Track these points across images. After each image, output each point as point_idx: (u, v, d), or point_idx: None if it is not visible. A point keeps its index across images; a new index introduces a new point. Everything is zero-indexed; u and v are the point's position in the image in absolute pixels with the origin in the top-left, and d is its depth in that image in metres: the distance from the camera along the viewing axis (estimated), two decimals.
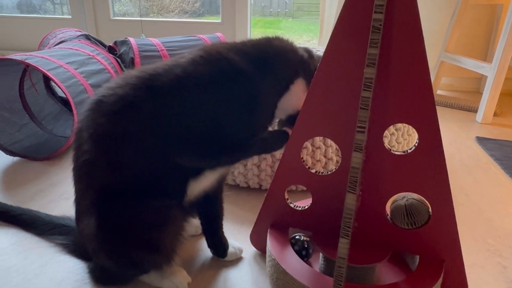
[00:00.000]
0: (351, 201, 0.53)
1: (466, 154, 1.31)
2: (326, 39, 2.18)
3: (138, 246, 0.62)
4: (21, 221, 0.84)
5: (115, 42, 1.54)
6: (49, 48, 1.61)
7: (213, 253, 0.77)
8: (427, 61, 0.53)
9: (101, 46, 1.51)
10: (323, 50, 0.59)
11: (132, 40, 1.50)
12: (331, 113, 0.61)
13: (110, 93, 0.59)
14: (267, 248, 0.68)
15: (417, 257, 0.65)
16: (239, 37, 2.38)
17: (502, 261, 0.78)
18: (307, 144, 0.94)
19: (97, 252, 0.64)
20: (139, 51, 1.47)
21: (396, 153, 0.59)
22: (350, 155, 0.54)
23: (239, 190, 1.02)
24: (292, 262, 0.62)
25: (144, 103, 0.58)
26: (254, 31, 2.88)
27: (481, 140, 1.42)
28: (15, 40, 2.73)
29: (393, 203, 0.65)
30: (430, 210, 0.61)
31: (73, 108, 1.11)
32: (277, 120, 0.72)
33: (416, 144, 0.58)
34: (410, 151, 0.58)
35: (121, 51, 1.50)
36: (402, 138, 1.05)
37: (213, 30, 2.40)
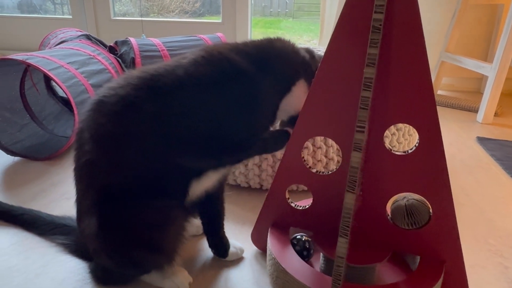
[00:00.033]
0: (350, 200, 0.53)
1: (467, 154, 1.31)
2: (327, 39, 2.18)
3: (139, 246, 0.62)
4: (22, 220, 0.84)
5: (116, 42, 1.54)
6: (50, 48, 1.61)
7: (214, 253, 0.77)
8: (427, 61, 0.53)
9: (102, 46, 1.51)
10: (324, 50, 0.59)
11: (132, 40, 1.50)
12: (332, 113, 0.61)
13: (112, 94, 0.59)
14: (267, 247, 0.68)
15: (418, 257, 0.65)
16: (239, 37, 2.38)
17: (503, 261, 0.78)
18: (308, 144, 0.94)
19: (98, 252, 0.64)
20: (140, 51, 1.47)
21: (397, 153, 0.59)
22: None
23: (240, 190, 1.02)
24: (292, 261, 0.62)
25: (145, 103, 0.58)
26: (255, 31, 2.89)
27: (482, 140, 1.42)
28: (16, 40, 2.73)
29: (393, 203, 0.65)
30: (430, 210, 0.61)
31: (74, 108, 1.11)
32: (279, 121, 0.72)
33: (417, 144, 0.58)
34: (411, 151, 0.58)
35: (122, 51, 1.50)
36: (403, 138, 1.05)
37: (213, 30, 2.40)
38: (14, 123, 1.27)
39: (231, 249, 0.76)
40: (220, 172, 0.67)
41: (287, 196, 0.70)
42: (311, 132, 0.63)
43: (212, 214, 0.75)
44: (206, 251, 0.78)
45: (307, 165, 0.66)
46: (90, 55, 1.37)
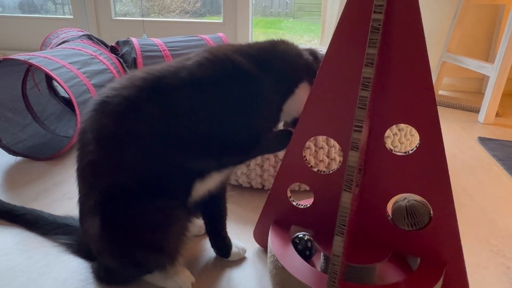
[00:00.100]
0: (346, 199, 0.53)
1: (469, 154, 1.31)
2: (328, 39, 2.18)
3: (142, 246, 0.62)
4: (25, 220, 0.84)
5: (117, 42, 1.54)
6: (52, 48, 1.61)
7: (216, 253, 0.77)
8: (428, 61, 0.53)
9: (103, 46, 1.51)
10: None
11: (134, 40, 1.51)
12: (333, 112, 0.61)
13: (115, 94, 0.59)
14: (268, 245, 0.68)
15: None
16: (240, 38, 2.38)
17: (505, 262, 0.78)
18: (310, 144, 0.95)
19: (101, 252, 0.64)
20: (142, 51, 1.47)
21: (398, 153, 0.59)
22: None
23: (242, 190, 1.02)
24: (291, 259, 0.63)
25: (149, 105, 0.58)
26: (255, 32, 2.89)
27: (483, 140, 1.42)
28: (17, 40, 2.73)
29: (394, 203, 0.65)
30: (431, 211, 0.61)
31: (76, 108, 1.11)
32: (282, 123, 0.72)
33: (418, 145, 0.58)
34: (412, 151, 0.58)
35: (123, 51, 1.50)
36: (404, 138, 1.05)
37: (214, 30, 2.40)
38: (16, 123, 1.27)
39: (233, 249, 0.76)
40: (224, 172, 0.67)
41: (288, 194, 0.70)
42: (312, 131, 0.63)
43: (214, 214, 0.75)
44: (208, 251, 0.78)
45: (309, 164, 0.66)
46: (92, 55, 1.37)
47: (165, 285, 0.68)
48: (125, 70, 1.46)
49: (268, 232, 0.71)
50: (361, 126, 0.51)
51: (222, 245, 0.76)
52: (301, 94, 0.66)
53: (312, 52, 0.69)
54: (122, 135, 0.59)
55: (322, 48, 1.22)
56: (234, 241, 0.77)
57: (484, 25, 2.04)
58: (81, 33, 1.63)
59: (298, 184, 1.00)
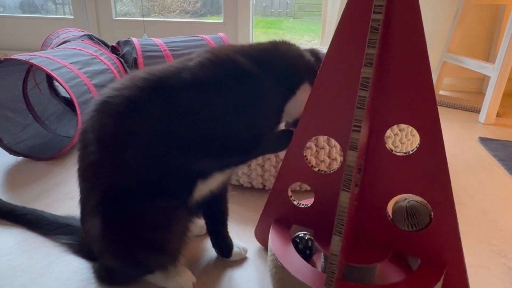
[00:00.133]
0: (345, 198, 0.53)
1: (469, 155, 1.31)
2: (329, 39, 2.18)
3: (143, 246, 0.62)
4: (26, 220, 0.84)
5: (118, 42, 1.54)
6: (52, 48, 1.62)
7: (217, 253, 0.77)
8: (428, 61, 0.53)
9: (104, 46, 1.52)
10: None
11: (135, 40, 1.51)
12: (334, 112, 0.61)
13: (116, 95, 0.59)
14: (268, 243, 0.68)
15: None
16: (241, 38, 2.38)
17: (507, 262, 0.78)
18: (311, 144, 0.95)
19: (103, 252, 0.64)
20: (142, 51, 1.47)
21: (398, 154, 0.59)
22: None
23: (243, 190, 1.02)
24: (291, 258, 0.63)
25: (151, 105, 0.58)
26: (256, 32, 2.89)
27: (484, 141, 1.42)
28: (18, 40, 2.73)
29: (395, 204, 0.65)
30: (431, 212, 0.61)
31: (77, 108, 1.11)
32: (283, 124, 0.72)
33: (418, 145, 0.58)
34: (412, 152, 0.58)
35: (124, 51, 1.51)
36: (406, 139, 1.05)
37: (215, 30, 2.40)
38: (17, 123, 1.27)
39: (235, 249, 0.76)
40: (225, 172, 0.67)
41: (289, 193, 0.70)
42: (313, 131, 0.63)
43: (216, 214, 0.75)
44: (209, 251, 0.78)
45: (310, 163, 0.66)
46: (93, 55, 1.37)
47: (167, 285, 0.68)
48: (126, 70, 1.47)
49: (269, 232, 0.71)
50: (360, 126, 0.51)
51: (223, 245, 0.76)
52: (303, 95, 0.66)
53: (314, 53, 0.69)
54: (123, 135, 0.59)
55: (323, 48, 1.22)
56: (235, 241, 0.77)
57: (484, 25, 2.04)
58: (82, 33, 1.63)
59: (299, 184, 1.00)
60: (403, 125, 1.04)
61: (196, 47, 1.55)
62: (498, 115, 1.70)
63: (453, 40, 1.94)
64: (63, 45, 1.48)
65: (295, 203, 0.70)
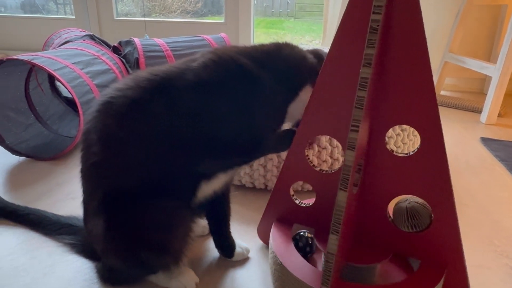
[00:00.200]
0: (342, 198, 0.53)
1: (471, 155, 1.31)
2: (330, 39, 2.18)
3: (146, 246, 0.62)
4: (29, 220, 0.84)
5: (120, 43, 1.54)
6: (54, 48, 1.62)
7: (220, 253, 0.77)
8: (429, 62, 0.53)
9: (106, 47, 1.52)
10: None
11: (136, 40, 1.51)
12: (335, 112, 0.61)
13: (120, 95, 0.59)
14: (269, 241, 0.69)
15: None
16: (242, 38, 2.38)
17: (509, 262, 0.78)
18: (314, 144, 0.95)
19: (106, 252, 0.64)
20: (144, 51, 1.47)
21: (399, 154, 0.59)
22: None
23: (245, 190, 1.02)
24: (290, 256, 0.63)
25: (155, 106, 0.58)
26: (257, 32, 2.89)
27: (485, 141, 1.42)
28: (19, 40, 2.73)
29: (395, 205, 0.65)
30: (432, 214, 0.61)
31: (79, 108, 1.11)
32: (285, 125, 0.73)
33: (419, 146, 0.58)
34: (413, 153, 0.58)
35: (126, 51, 1.51)
36: (407, 139, 1.05)
37: (216, 30, 2.40)
38: (19, 123, 1.27)
39: (237, 249, 0.76)
40: (228, 173, 0.67)
41: (291, 192, 0.70)
42: (314, 131, 0.64)
43: (218, 214, 0.75)
44: (212, 251, 0.78)
45: (311, 163, 0.66)
46: (95, 55, 1.37)
47: (169, 285, 0.68)
48: (127, 71, 1.47)
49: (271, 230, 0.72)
50: (358, 126, 0.51)
51: (226, 245, 0.76)
52: (305, 97, 0.66)
53: (317, 54, 0.69)
54: (126, 136, 0.59)
55: (325, 48, 1.22)
56: (237, 241, 0.77)
57: (486, 26, 2.04)
58: (84, 33, 1.63)
59: (301, 184, 1.00)
60: (405, 126, 1.04)
61: (198, 47, 1.55)
62: (499, 115, 1.70)
63: (455, 40, 1.94)
64: (65, 45, 1.48)
65: (297, 202, 0.70)
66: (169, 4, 2.98)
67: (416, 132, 1.08)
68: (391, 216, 0.64)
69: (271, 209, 0.74)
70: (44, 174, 1.11)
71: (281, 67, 0.64)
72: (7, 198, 0.93)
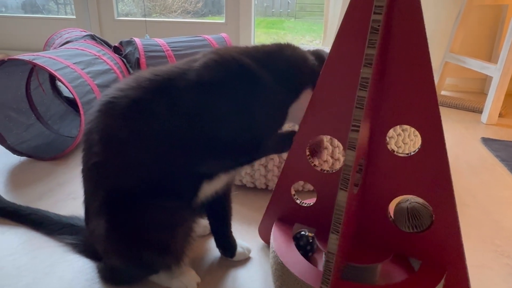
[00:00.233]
0: (342, 198, 0.53)
1: (472, 155, 1.31)
2: (330, 39, 2.18)
3: (148, 247, 0.62)
4: (30, 220, 0.85)
5: (121, 43, 1.54)
6: (55, 48, 1.62)
7: (221, 253, 0.77)
8: (430, 62, 0.53)
9: (107, 47, 1.52)
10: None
11: (137, 40, 1.51)
12: (336, 112, 0.61)
13: (121, 95, 0.59)
14: (270, 240, 0.69)
15: None
16: (243, 38, 2.38)
17: (510, 262, 0.78)
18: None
19: (108, 252, 0.65)
20: (145, 51, 1.47)
21: (400, 155, 0.59)
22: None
23: (246, 190, 1.02)
24: (291, 256, 0.63)
25: (157, 106, 0.58)
26: (257, 32, 2.89)
27: (486, 141, 1.42)
28: (20, 40, 2.74)
29: (396, 205, 0.65)
30: (433, 214, 0.61)
31: (80, 108, 1.11)
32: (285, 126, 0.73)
33: (420, 146, 0.58)
34: (413, 153, 0.58)
35: (127, 51, 1.51)
36: (408, 139, 1.05)
37: (217, 30, 2.40)
38: (20, 123, 1.27)
39: (238, 249, 0.76)
40: (230, 173, 0.68)
41: (292, 192, 0.70)
42: (316, 131, 0.64)
43: (219, 214, 0.75)
44: (213, 251, 0.79)
45: (312, 162, 0.66)
46: (96, 55, 1.38)
47: (171, 285, 0.68)
48: (128, 71, 1.47)
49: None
50: (359, 126, 0.51)
51: (227, 245, 0.76)
52: (306, 98, 0.66)
53: (318, 55, 0.68)
54: (128, 136, 0.59)
55: (326, 48, 1.22)
56: (238, 241, 0.77)
57: (487, 26, 2.04)
58: (84, 34, 1.64)
59: (302, 184, 1.00)
60: (406, 126, 1.05)
61: (199, 47, 1.55)
62: (500, 115, 1.70)
63: (455, 40, 1.94)
64: (66, 46, 1.48)
65: (298, 201, 0.71)
66: (169, 4, 2.98)
67: (416, 133, 1.08)
68: (392, 216, 0.64)
69: (272, 208, 0.74)
70: (45, 174, 1.11)
71: (282, 68, 0.64)
72: (8, 197, 0.93)
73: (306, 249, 0.71)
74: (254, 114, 0.61)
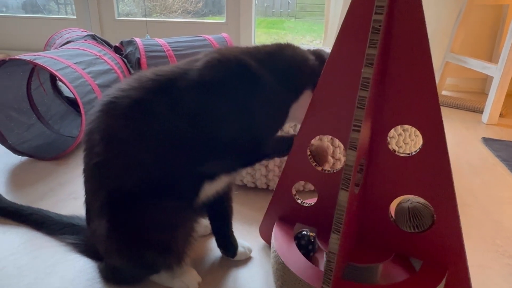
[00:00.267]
0: (343, 197, 0.53)
1: (473, 155, 1.31)
2: (331, 39, 2.18)
3: (149, 247, 0.62)
4: (31, 220, 0.85)
5: (121, 43, 1.54)
6: (56, 48, 1.62)
7: (222, 253, 0.77)
8: (431, 62, 0.53)
9: (108, 47, 1.52)
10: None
11: (138, 40, 1.51)
12: (338, 112, 0.61)
13: (123, 95, 0.59)
14: (271, 240, 0.69)
15: None
16: (243, 38, 2.39)
17: (511, 262, 0.78)
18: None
19: (109, 252, 0.65)
20: (145, 51, 1.47)
21: (401, 154, 0.59)
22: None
23: (247, 190, 1.03)
24: (292, 255, 0.63)
25: (159, 106, 0.58)
26: (258, 32, 2.89)
27: (487, 141, 1.42)
28: (20, 40, 2.74)
29: (397, 205, 0.65)
30: (434, 214, 0.61)
31: (81, 108, 1.11)
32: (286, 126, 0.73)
33: (421, 146, 0.58)
34: (415, 153, 0.58)
35: (127, 51, 1.51)
36: (409, 139, 1.05)
37: (217, 30, 2.41)
38: (21, 123, 1.27)
39: (240, 249, 0.76)
40: (232, 174, 0.68)
41: (293, 192, 0.70)
42: (317, 130, 0.64)
43: (220, 213, 0.75)
44: (214, 250, 0.79)
45: (313, 162, 0.66)
46: (97, 55, 1.38)
47: (172, 285, 0.68)
48: (129, 71, 1.47)
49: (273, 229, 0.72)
50: (360, 126, 0.51)
51: (228, 245, 0.76)
52: (306, 99, 0.66)
53: (319, 56, 0.68)
54: (129, 136, 0.59)
55: (327, 48, 1.22)
56: (240, 240, 0.77)
57: (487, 26, 2.04)
58: (85, 34, 1.64)
59: (303, 183, 1.00)
60: (406, 126, 1.05)
61: (199, 47, 1.55)
62: (501, 115, 1.70)
63: (456, 40, 1.94)
64: (67, 45, 1.48)
65: (299, 201, 0.71)
66: (170, 4, 2.98)
67: (417, 133, 1.08)
68: (393, 216, 0.64)
69: (273, 208, 0.74)
70: (46, 174, 1.11)
71: (283, 67, 0.64)
72: (9, 197, 0.93)
73: (307, 249, 0.71)
74: (256, 114, 0.61)
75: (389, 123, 0.58)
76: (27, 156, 1.20)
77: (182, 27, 2.48)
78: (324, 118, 0.63)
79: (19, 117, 1.27)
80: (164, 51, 1.50)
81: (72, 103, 1.45)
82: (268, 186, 1.01)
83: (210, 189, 0.65)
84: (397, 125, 0.58)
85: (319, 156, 0.68)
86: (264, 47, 0.67)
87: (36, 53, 1.21)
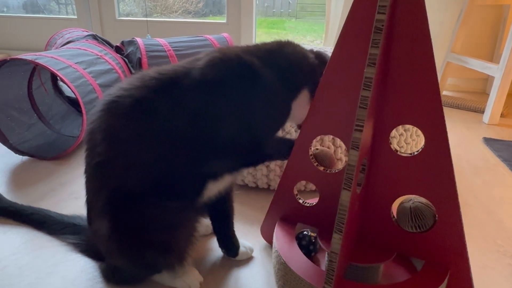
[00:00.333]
0: (346, 197, 0.53)
1: (474, 155, 1.31)
2: (332, 39, 2.18)
3: (151, 246, 0.62)
4: (32, 220, 0.85)
5: (122, 42, 1.54)
6: (57, 48, 1.62)
7: (224, 252, 0.77)
8: (434, 62, 0.53)
9: (108, 46, 1.52)
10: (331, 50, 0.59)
11: (139, 40, 1.51)
12: (339, 112, 0.61)
13: (125, 95, 0.59)
14: (273, 240, 0.69)
15: None
16: (244, 38, 2.39)
17: None
18: (317, 144, 0.95)
19: (110, 252, 0.65)
20: (146, 51, 1.47)
21: (403, 154, 0.59)
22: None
23: (248, 190, 1.02)
24: (293, 255, 0.63)
25: (161, 106, 0.58)
26: (258, 32, 2.89)
27: (488, 141, 1.42)
28: (21, 40, 2.74)
29: (399, 205, 0.65)
30: (436, 214, 0.61)
31: (82, 108, 1.11)
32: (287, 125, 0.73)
33: (423, 146, 0.58)
34: (417, 153, 0.58)
35: (128, 51, 1.51)
36: (410, 139, 1.05)
37: (218, 30, 2.41)
38: (22, 123, 1.27)
39: (241, 249, 0.76)
40: (235, 174, 0.68)
41: (295, 192, 0.70)
42: (319, 130, 0.64)
43: (222, 213, 0.75)
44: (216, 250, 0.79)
45: (315, 162, 0.66)
46: (98, 55, 1.38)
47: (174, 285, 0.68)
48: (130, 70, 1.47)
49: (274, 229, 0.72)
50: (362, 126, 0.51)
51: (230, 245, 0.76)
52: (306, 97, 0.66)
53: (319, 55, 0.68)
54: (131, 136, 0.59)
55: (328, 48, 1.22)
56: (241, 240, 0.77)
57: (488, 26, 2.04)
58: (86, 33, 1.64)
59: (304, 183, 1.00)
60: (408, 126, 1.04)
61: (200, 47, 1.55)
62: (502, 115, 1.70)
63: (457, 40, 1.94)
64: (68, 45, 1.48)
65: (301, 201, 0.70)
66: (170, 4, 2.98)
67: (419, 133, 1.08)
68: (395, 216, 0.64)
69: (274, 208, 0.74)
70: (47, 174, 1.11)
71: (283, 65, 0.64)
72: (10, 197, 0.93)
73: (308, 249, 0.71)
74: (257, 112, 0.61)
75: (391, 123, 0.58)
76: (28, 156, 1.20)
77: (182, 27, 2.48)
78: (326, 118, 0.63)
79: (20, 117, 1.28)
80: (165, 51, 1.50)
81: (73, 103, 1.45)
82: (269, 185, 1.01)
83: (213, 189, 0.65)
84: (399, 125, 0.58)
85: (327, 160, 0.68)
86: (264, 45, 0.67)
87: (37, 53, 1.21)
